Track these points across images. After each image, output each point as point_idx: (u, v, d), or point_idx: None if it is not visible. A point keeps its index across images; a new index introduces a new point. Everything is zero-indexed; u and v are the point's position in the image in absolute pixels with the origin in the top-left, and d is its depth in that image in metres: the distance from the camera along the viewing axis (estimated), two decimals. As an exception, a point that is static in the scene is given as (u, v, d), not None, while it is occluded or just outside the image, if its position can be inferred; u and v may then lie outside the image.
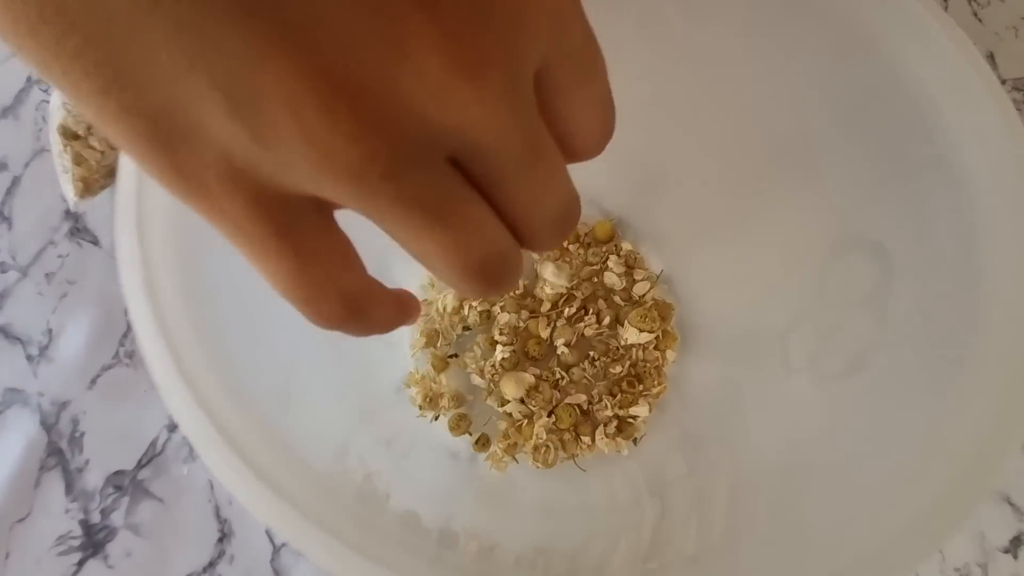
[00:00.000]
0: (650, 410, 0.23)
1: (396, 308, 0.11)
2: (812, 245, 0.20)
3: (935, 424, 0.14)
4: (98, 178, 0.26)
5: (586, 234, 0.26)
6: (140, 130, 0.07)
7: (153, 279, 0.14)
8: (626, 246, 0.26)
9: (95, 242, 0.27)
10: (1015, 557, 0.24)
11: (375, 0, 0.06)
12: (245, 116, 0.07)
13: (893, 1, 0.15)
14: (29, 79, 0.30)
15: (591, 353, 0.24)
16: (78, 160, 0.25)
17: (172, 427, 0.23)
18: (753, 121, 0.20)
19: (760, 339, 0.22)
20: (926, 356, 0.16)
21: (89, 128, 0.25)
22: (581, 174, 0.11)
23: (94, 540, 0.22)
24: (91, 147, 0.25)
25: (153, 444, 0.23)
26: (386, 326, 0.11)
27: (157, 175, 0.08)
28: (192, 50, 0.06)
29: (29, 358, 0.25)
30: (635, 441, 0.23)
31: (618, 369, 0.24)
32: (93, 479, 0.23)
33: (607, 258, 0.25)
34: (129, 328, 0.25)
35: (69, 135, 0.25)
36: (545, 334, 0.24)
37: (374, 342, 0.23)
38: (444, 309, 0.25)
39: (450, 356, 0.25)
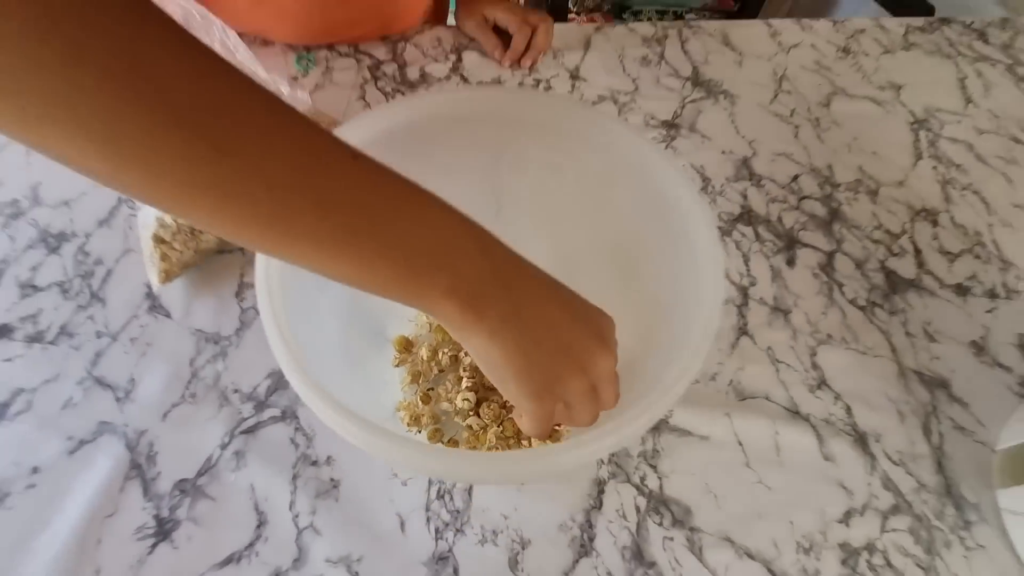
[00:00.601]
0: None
1: None
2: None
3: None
4: (176, 270, 0.36)
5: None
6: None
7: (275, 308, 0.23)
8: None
9: (168, 315, 0.37)
10: (847, 526, 0.32)
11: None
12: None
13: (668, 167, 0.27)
14: (119, 199, 0.42)
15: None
16: (164, 257, 0.36)
17: (224, 446, 0.32)
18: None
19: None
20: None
21: (173, 235, 0.36)
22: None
23: (164, 529, 0.30)
24: (174, 248, 0.36)
25: (209, 459, 0.32)
26: None
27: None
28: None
29: (117, 400, 0.33)
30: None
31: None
32: (164, 485, 0.31)
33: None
34: (192, 375, 0.34)
35: (158, 240, 0.36)
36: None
37: (377, 380, 0.33)
38: (423, 357, 0.35)
39: (428, 390, 0.34)
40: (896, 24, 0.62)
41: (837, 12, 1.14)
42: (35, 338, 0.35)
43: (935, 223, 0.45)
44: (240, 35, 0.39)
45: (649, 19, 1.12)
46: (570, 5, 1.08)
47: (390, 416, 0.32)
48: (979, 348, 0.39)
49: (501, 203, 0.34)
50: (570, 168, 0.31)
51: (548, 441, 0.30)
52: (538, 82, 0.52)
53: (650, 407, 0.21)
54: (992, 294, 0.41)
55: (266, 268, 0.23)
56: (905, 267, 0.42)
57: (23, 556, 0.29)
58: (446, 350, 0.35)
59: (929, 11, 0.80)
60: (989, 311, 0.41)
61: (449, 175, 0.26)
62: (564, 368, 0.21)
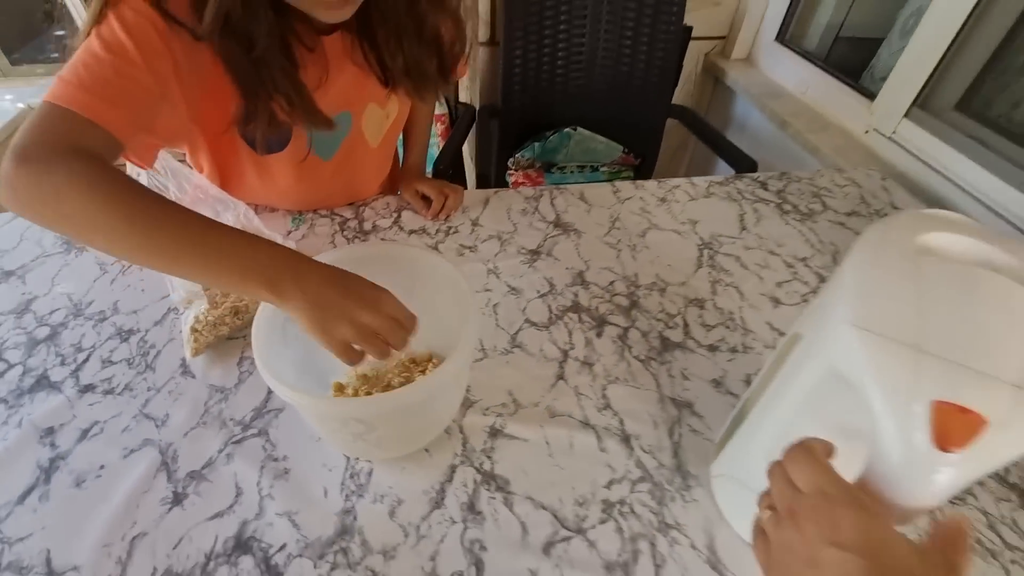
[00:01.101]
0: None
1: None
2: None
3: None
4: (202, 348, 0.59)
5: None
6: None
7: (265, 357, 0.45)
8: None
9: (193, 376, 0.58)
10: (609, 489, 0.50)
11: None
12: None
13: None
14: (168, 309, 0.65)
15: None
16: (195, 340, 0.59)
17: (220, 451, 0.52)
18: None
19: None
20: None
21: (203, 327, 0.59)
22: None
23: (178, 498, 0.48)
24: (202, 335, 0.59)
25: (210, 458, 0.51)
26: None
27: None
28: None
29: (156, 426, 0.54)
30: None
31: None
32: (180, 474, 0.50)
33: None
34: (205, 411, 0.55)
35: (193, 329, 0.59)
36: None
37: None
38: (349, 394, 0.55)
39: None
40: (703, 181, 0.91)
41: (716, 172, 1.50)
42: (109, 391, 0.57)
43: (702, 307, 0.68)
44: (256, 206, 0.67)
45: (571, 171, 1.46)
46: (509, 163, 1.43)
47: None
48: (718, 383, 0.59)
49: (403, 298, 0.58)
50: (424, 276, 0.55)
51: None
52: (449, 228, 0.79)
53: (452, 362, 0.42)
54: (733, 350, 0.63)
55: (257, 341, 0.46)
56: (676, 335, 0.65)
57: (92, 516, 0.47)
58: (363, 390, 0.56)
59: (752, 167, 1.11)
60: (729, 360, 0.62)
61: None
62: (339, 315, 0.38)
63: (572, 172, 1.46)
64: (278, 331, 0.47)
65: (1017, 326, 0.28)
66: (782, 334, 0.65)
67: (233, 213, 0.67)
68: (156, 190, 0.60)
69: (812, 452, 0.30)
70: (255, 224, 0.66)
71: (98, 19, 0.47)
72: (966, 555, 0.26)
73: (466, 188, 0.86)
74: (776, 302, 0.70)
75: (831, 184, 0.93)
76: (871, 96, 1.14)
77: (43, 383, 0.57)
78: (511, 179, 1.42)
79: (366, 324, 0.40)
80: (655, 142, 1.42)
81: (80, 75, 0.45)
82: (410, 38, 0.62)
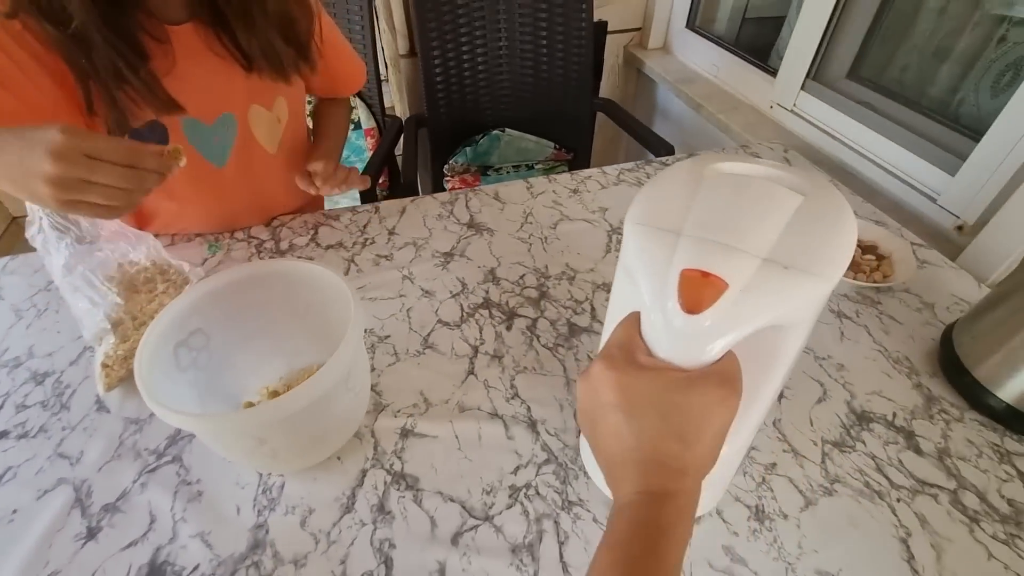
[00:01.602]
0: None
1: None
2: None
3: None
4: (114, 383, 0.60)
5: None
6: None
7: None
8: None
9: (108, 411, 0.59)
10: (515, 475, 0.53)
11: None
12: None
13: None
14: (84, 348, 0.66)
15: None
16: (107, 375, 0.59)
17: (135, 481, 0.53)
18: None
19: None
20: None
21: (113, 362, 0.60)
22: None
23: (92, 532, 0.49)
24: (113, 370, 0.60)
25: (124, 490, 0.52)
26: None
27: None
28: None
29: (71, 464, 0.54)
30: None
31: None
32: (94, 508, 0.51)
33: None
34: (120, 443, 0.56)
35: (104, 365, 0.60)
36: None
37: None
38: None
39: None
40: (613, 169, 0.95)
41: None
42: (23, 435, 0.57)
43: (608, 290, 0.71)
44: (173, 236, 0.68)
45: (507, 172, 1.49)
46: (444, 170, 1.45)
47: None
48: (621, 362, 0.62)
49: (301, 313, 0.59)
50: (314, 288, 0.57)
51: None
52: (366, 240, 0.81)
53: (331, 365, 0.44)
54: (637, 329, 0.66)
55: (139, 367, 0.47)
56: (583, 320, 0.67)
57: (3, 561, 0.48)
58: (277, 406, 0.57)
59: (670, 151, 1.16)
60: (633, 339, 0.65)
61: (268, 303, 0.52)
62: (27, 175, 0.44)
63: (508, 172, 1.48)
64: (168, 356, 0.48)
65: (771, 215, 0.32)
66: (683, 308, 0.68)
67: (145, 246, 0.68)
68: (60, 231, 0.61)
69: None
70: (163, 256, 0.67)
71: None
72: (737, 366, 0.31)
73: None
74: (679, 279, 0.73)
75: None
76: (774, 73, 1.19)
77: (-47, 436, 0.57)
78: (448, 185, 1.44)
79: (57, 176, 0.42)
80: (586, 136, 1.46)
81: None
82: (259, 18, 0.65)
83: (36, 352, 0.66)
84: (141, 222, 0.80)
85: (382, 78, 1.36)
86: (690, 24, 1.43)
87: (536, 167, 1.50)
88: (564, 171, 1.51)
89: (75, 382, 0.62)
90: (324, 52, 0.76)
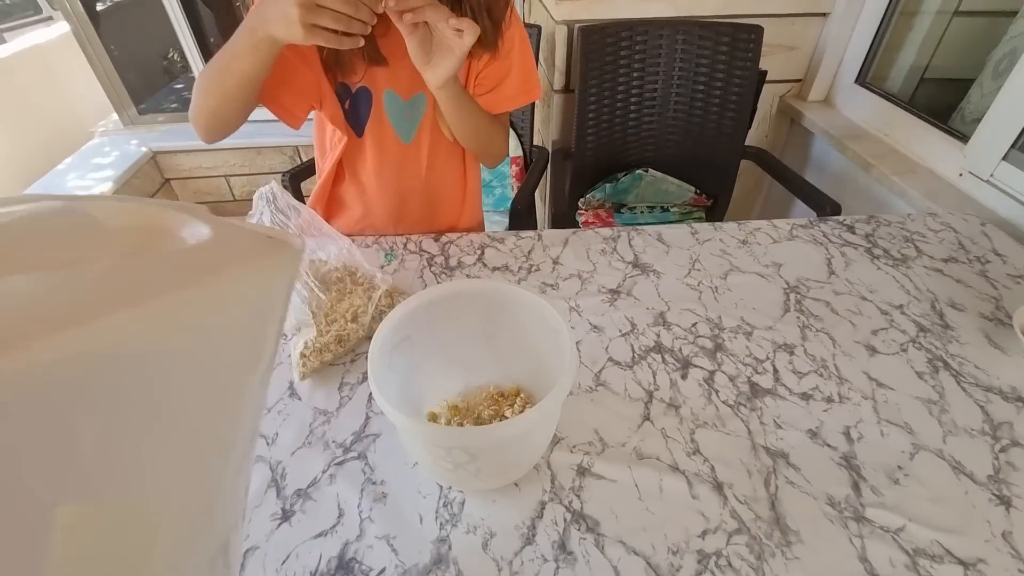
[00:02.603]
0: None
1: None
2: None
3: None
4: (308, 373, 0.64)
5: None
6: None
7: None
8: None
9: (300, 399, 0.63)
10: (703, 539, 0.49)
11: None
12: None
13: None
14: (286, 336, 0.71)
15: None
16: (303, 365, 0.63)
17: (324, 471, 0.55)
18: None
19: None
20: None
21: (311, 353, 0.64)
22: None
23: (286, 515, 0.52)
24: (310, 360, 0.64)
25: (315, 478, 0.55)
26: None
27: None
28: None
29: (267, 444, 0.58)
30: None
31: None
32: (288, 492, 0.54)
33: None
34: (310, 432, 0.59)
35: (302, 355, 0.64)
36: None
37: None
38: (443, 423, 0.58)
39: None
40: (784, 223, 0.90)
41: (790, 216, 1.46)
42: (226, 409, 0.62)
43: (791, 352, 0.67)
44: (352, 237, 0.73)
45: (641, 212, 1.47)
46: (579, 204, 1.46)
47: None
48: (814, 434, 0.57)
49: (491, 334, 0.60)
50: (517, 312, 0.57)
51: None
52: (531, 266, 0.82)
53: (554, 395, 0.44)
54: (828, 400, 0.61)
55: (372, 365, 0.49)
56: (765, 381, 0.63)
57: (212, 524, 0.51)
58: (455, 421, 0.58)
59: (836, 210, 1.09)
60: (825, 411, 0.60)
61: (463, 320, 0.53)
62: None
63: (642, 212, 1.47)
64: (386, 359, 0.50)
65: None
66: (881, 385, 0.62)
67: (337, 246, 0.73)
68: (280, 225, 0.67)
69: None
70: (356, 258, 0.72)
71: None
72: None
73: (536, 227, 0.90)
74: (872, 351, 0.67)
75: (924, 229, 0.89)
76: (962, 138, 1.09)
77: (170, 399, 0.64)
78: (581, 218, 1.45)
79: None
80: (728, 184, 1.41)
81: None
82: (469, 5, 0.72)
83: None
84: (330, 212, 0.91)
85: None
86: (860, 79, 1.36)
87: (672, 210, 1.47)
88: (701, 218, 1.47)
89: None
90: (512, 49, 0.80)
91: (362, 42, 0.62)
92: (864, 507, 0.51)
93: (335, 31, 0.59)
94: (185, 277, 0.18)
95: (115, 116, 2.32)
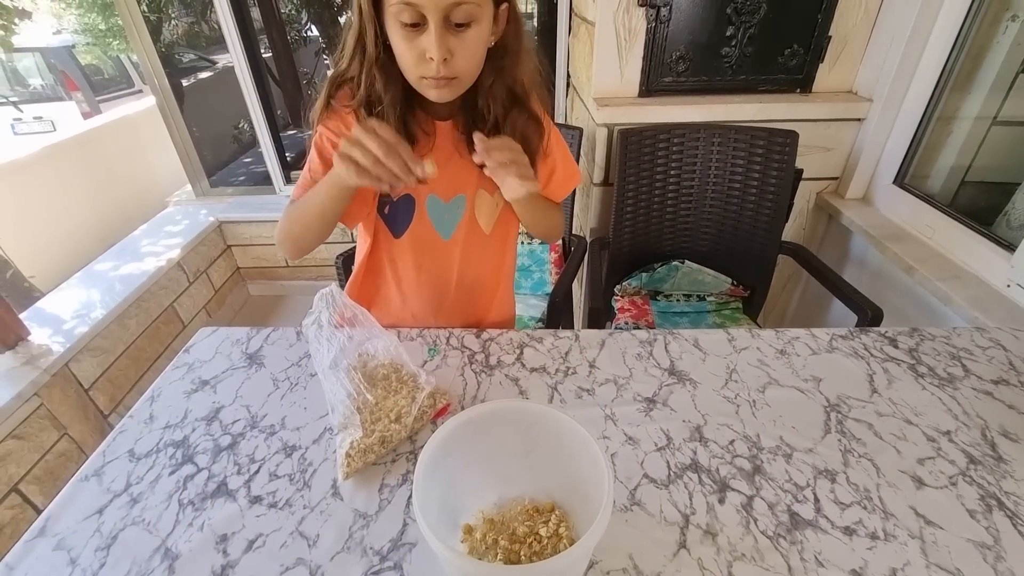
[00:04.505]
0: None
1: None
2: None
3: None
4: (352, 472, 0.67)
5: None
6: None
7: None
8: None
9: (342, 499, 0.65)
10: None
11: None
12: None
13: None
14: (326, 428, 0.75)
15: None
16: (348, 464, 0.66)
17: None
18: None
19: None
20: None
21: (356, 453, 0.67)
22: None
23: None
24: (355, 460, 0.67)
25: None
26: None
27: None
28: None
29: (308, 546, 0.60)
30: None
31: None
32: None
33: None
34: (349, 536, 0.61)
35: (347, 455, 0.67)
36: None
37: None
38: (478, 538, 0.59)
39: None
40: (823, 333, 0.90)
41: (829, 310, 1.45)
42: (273, 505, 0.65)
43: (833, 480, 0.65)
44: (398, 328, 0.78)
45: (677, 300, 1.49)
46: (616, 290, 1.49)
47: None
48: (857, 575, 0.56)
49: (529, 449, 0.62)
50: (555, 433, 0.59)
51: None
52: (568, 369, 0.84)
53: (594, 532, 0.45)
54: (873, 536, 0.59)
55: (416, 493, 0.52)
56: (806, 511, 0.62)
57: (253, 629, 0.53)
58: (490, 535, 0.59)
59: (877, 317, 1.08)
60: (869, 549, 0.58)
61: (503, 435, 0.56)
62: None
63: (679, 300, 1.48)
64: (428, 478, 0.53)
65: None
66: (929, 522, 0.60)
67: (384, 342, 0.78)
68: (336, 324, 0.73)
69: None
70: (403, 357, 0.76)
71: (313, 133, 0.82)
72: None
73: (572, 316, 0.94)
74: (919, 482, 0.65)
75: (971, 345, 0.87)
76: (1008, 246, 1.08)
77: (223, 490, 0.67)
78: (616, 305, 1.47)
79: (353, 135, 0.64)
80: (765, 277, 1.42)
81: (299, 182, 0.84)
82: (504, 130, 0.81)
83: (287, 424, 0.76)
84: (369, 300, 0.98)
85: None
86: (898, 180, 1.38)
87: (709, 299, 1.48)
88: (738, 308, 1.47)
89: (316, 461, 0.70)
90: (551, 152, 0.90)
91: (407, 186, 0.68)
92: (915, 669, 0.48)
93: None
94: None
95: (189, 187, 2.55)
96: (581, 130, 1.35)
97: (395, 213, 0.89)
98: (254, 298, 2.59)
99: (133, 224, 2.39)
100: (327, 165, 0.79)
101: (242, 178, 2.59)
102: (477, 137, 0.71)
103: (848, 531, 0.60)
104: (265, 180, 2.49)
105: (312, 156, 0.83)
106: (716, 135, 1.34)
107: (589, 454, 0.53)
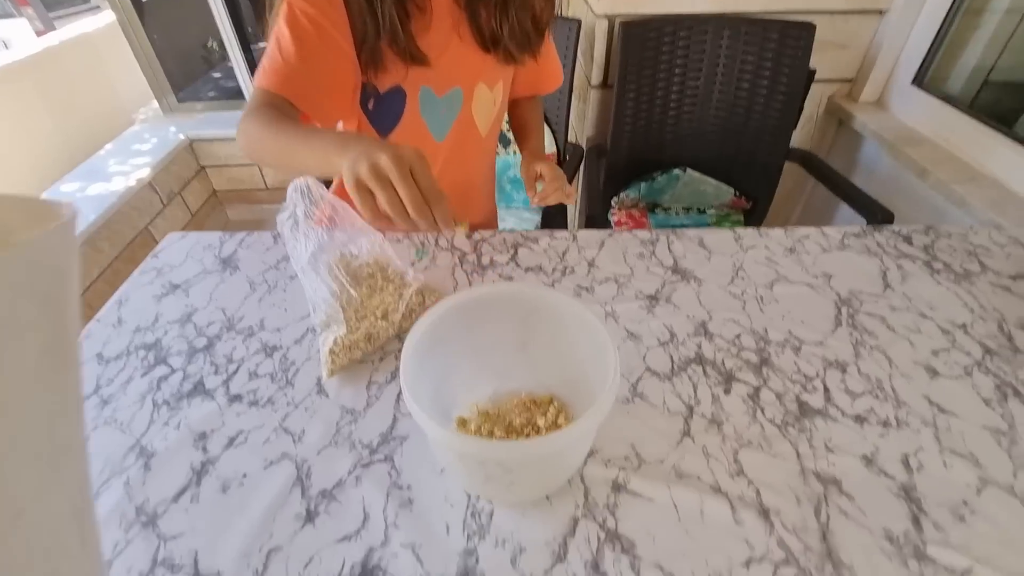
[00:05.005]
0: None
1: None
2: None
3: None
4: (336, 370, 0.62)
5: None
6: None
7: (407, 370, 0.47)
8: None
9: (327, 396, 0.61)
10: (747, 568, 0.46)
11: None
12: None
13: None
14: (308, 329, 0.70)
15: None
16: (332, 362, 0.62)
17: (350, 472, 0.53)
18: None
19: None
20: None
21: (340, 350, 0.62)
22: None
23: (310, 516, 0.50)
24: (338, 357, 0.62)
25: (340, 479, 0.53)
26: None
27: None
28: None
29: (294, 441, 0.57)
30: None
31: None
32: (313, 492, 0.52)
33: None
34: (336, 431, 0.57)
35: (331, 352, 0.62)
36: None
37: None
38: (472, 429, 0.56)
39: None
40: (835, 231, 0.85)
41: (834, 221, 1.40)
42: (254, 403, 0.61)
43: (844, 371, 0.62)
44: (384, 232, 0.71)
45: (676, 213, 1.43)
46: (612, 203, 1.43)
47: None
48: (869, 460, 0.53)
49: (525, 340, 0.58)
50: (555, 319, 0.55)
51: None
52: (565, 268, 0.79)
53: (598, 408, 0.41)
54: (884, 424, 0.57)
55: (404, 370, 0.48)
56: (815, 400, 0.59)
57: (234, 523, 0.50)
58: (485, 427, 0.56)
59: (888, 218, 1.03)
60: (881, 436, 0.56)
61: (497, 324, 0.51)
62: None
63: (677, 214, 1.42)
64: (419, 363, 0.48)
65: None
66: (943, 410, 0.58)
67: (368, 240, 0.71)
68: (313, 217, 0.66)
69: None
70: (388, 253, 0.70)
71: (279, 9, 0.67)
72: None
73: (567, 228, 0.89)
74: (933, 372, 0.62)
75: (989, 242, 0.83)
76: (1033, 146, 1.02)
77: (199, 389, 0.63)
78: (613, 218, 1.41)
79: (382, 165, 0.48)
80: (770, 186, 1.36)
81: (266, 63, 0.68)
82: (513, 4, 0.74)
83: (267, 325, 0.71)
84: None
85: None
86: (917, 81, 1.28)
87: (709, 212, 1.43)
88: (739, 221, 1.42)
89: (299, 361, 0.66)
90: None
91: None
92: (926, 544, 0.47)
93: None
94: None
95: (155, 104, 2.37)
96: (579, 22, 1.22)
97: (382, 108, 0.79)
98: (234, 223, 2.49)
99: (99, 146, 2.23)
100: (306, 48, 0.66)
101: (212, 94, 2.41)
102: (531, 191, 0.84)
103: (859, 419, 0.57)
104: (236, 95, 2.31)
105: (282, 33, 0.66)
106: (726, 28, 1.22)
107: (593, 341, 0.49)
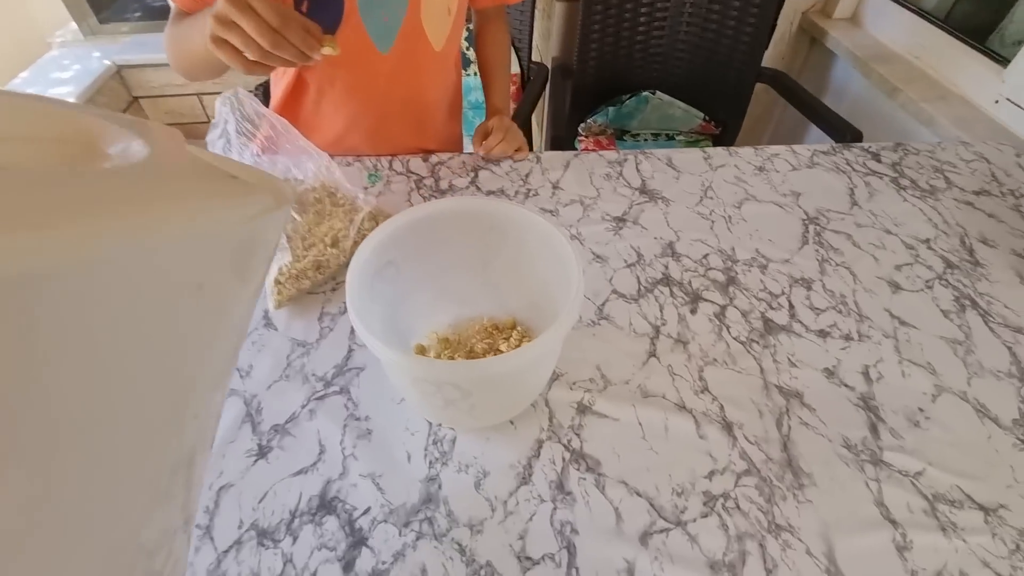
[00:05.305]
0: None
1: None
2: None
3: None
4: (284, 301, 0.58)
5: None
6: None
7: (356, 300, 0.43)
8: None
9: (275, 328, 0.57)
10: (710, 480, 0.46)
11: None
12: None
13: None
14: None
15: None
16: (278, 293, 0.58)
17: (303, 406, 0.51)
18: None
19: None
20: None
21: (286, 280, 0.58)
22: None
23: (262, 451, 0.48)
24: (285, 287, 0.58)
25: (293, 414, 0.50)
26: None
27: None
28: None
29: (241, 377, 0.53)
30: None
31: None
32: (264, 427, 0.49)
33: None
34: (287, 364, 0.54)
35: (276, 282, 0.58)
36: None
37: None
38: (431, 357, 0.53)
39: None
40: (804, 149, 0.83)
41: (807, 143, 1.37)
42: (195, 340, 0.57)
43: (809, 288, 0.62)
44: (332, 156, 0.65)
45: (645, 139, 1.38)
46: (579, 130, 1.37)
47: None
48: (830, 373, 0.54)
49: (486, 260, 0.54)
50: (518, 236, 0.51)
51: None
52: (529, 191, 0.75)
53: (558, 327, 0.39)
54: (847, 337, 0.57)
55: (350, 290, 0.44)
56: (780, 317, 0.59)
57: (182, 460, 0.47)
58: (446, 354, 0.53)
59: (857, 137, 1.01)
60: (843, 349, 0.56)
61: (455, 244, 0.47)
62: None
63: (646, 140, 1.38)
64: (368, 286, 0.44)
65: None
66: (904, 323, 0.58)
67: (315, 163, 0.65)
68: (246, 136, 0.59)
69: None
70: (337, 177, 0.64)
71: None
72: None
73: (532, 151, 0.82)
74: (895, 287, 0.62)
75: (955, 158, 0.82)
76: (1003, 61, 1.00)
77: (133, 328, 0.58)
78: (580, 145, 1.35)
79: (221, 10, 0.48)
80: (740, 109, 1.31)
81: None
82: None
83: (206, 257, 0.66)
84: (300, 103, 0.80)
85: (532, 22, 1.27)
86: (893, -7, 1.23)
87: (678, 138, 1.38)
88: (708, 145, 1.38)
89: (243, 293, 0.61)
90: None
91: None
92: (882, 450, 0.48)
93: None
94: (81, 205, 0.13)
95: (74, 25, 2.11)
96: (542, -77, 1.11)
97: (316, 12, 0.70)
98: (179, 162, 2.31)
99: (12, 73, 1.99)
100: None
101: (137, 14, 2.15)
102: (477, 145, 0.78)
103: (822, 334, 0.57)
104: (165, 14, 2.07)
105: None
106: (700, -67, 1.13)
107: (557, 258, 0.46)
